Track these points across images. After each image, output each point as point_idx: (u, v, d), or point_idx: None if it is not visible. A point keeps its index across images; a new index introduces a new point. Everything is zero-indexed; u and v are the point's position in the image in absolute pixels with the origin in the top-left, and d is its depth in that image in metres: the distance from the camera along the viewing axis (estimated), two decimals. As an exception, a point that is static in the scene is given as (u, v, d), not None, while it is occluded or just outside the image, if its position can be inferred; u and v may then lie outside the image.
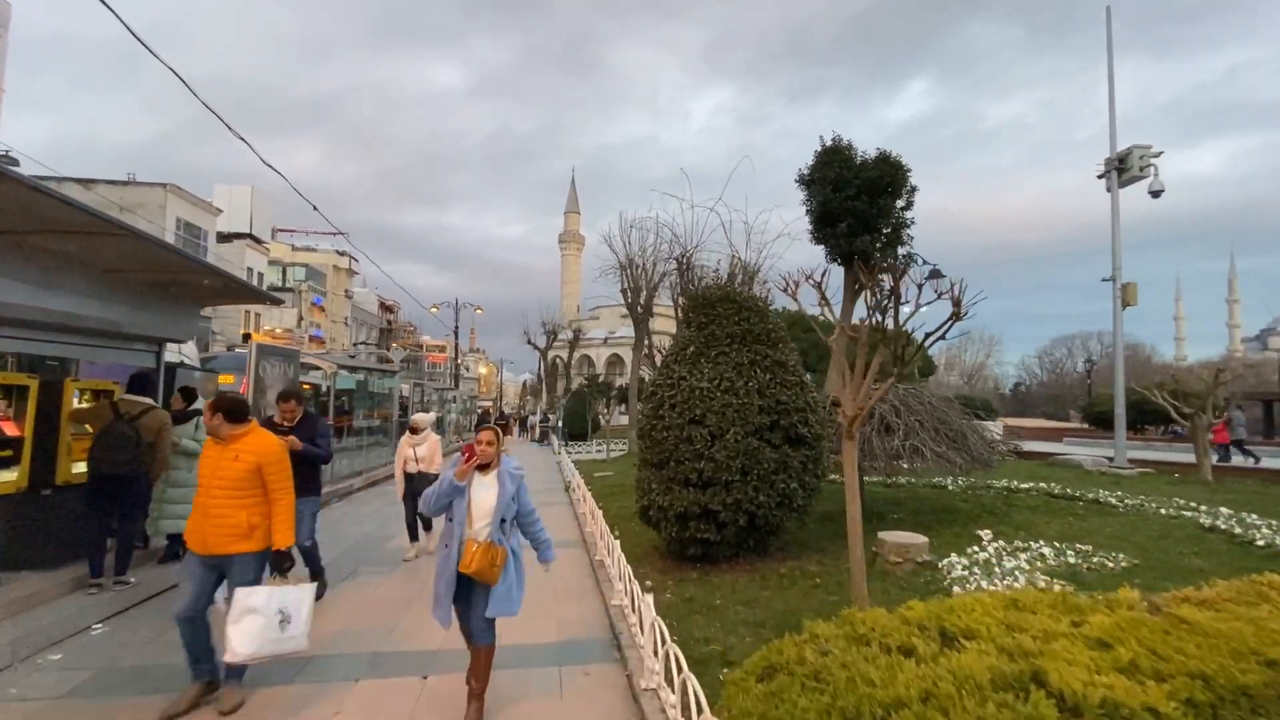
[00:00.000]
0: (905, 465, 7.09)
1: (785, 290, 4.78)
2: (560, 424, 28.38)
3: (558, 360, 52.83)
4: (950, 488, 9.82)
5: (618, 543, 5.12)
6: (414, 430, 7.00)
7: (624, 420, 31.80)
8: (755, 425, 5.74)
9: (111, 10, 6.14)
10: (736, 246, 11.12)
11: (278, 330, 48.02)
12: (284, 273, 56.15)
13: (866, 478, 8.34)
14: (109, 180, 34.19)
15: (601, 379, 62.50)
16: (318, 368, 11.64)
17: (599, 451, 22.73)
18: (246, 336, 41.52)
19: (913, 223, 13.01)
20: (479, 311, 43.21)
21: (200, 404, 6.46)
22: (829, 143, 13.07)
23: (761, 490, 5.69)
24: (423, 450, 6.89)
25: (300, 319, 54.36)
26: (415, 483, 6.78)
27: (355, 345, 53.93)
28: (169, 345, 7.39)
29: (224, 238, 43.41)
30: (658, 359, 36.63)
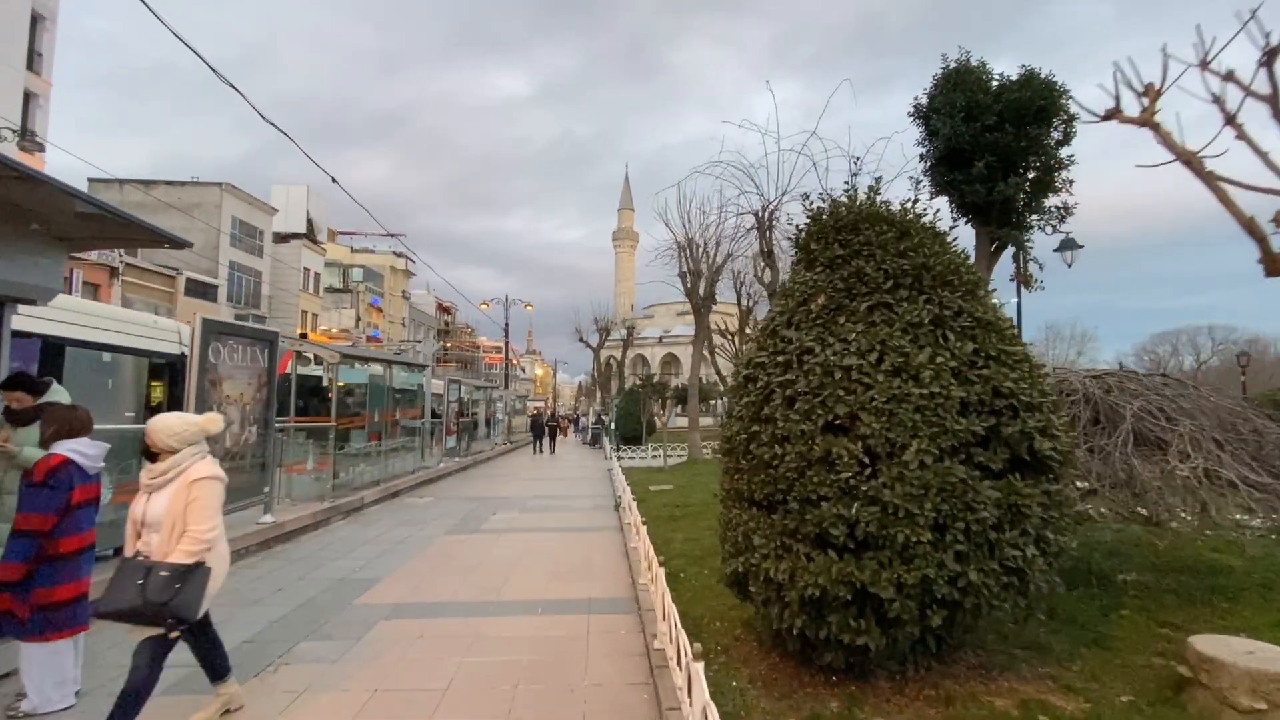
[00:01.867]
0: (1180, 506, 4.17)
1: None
2: (613, 426, 26.02)
3: (611, 360, 50.74)
4: (1174, 525, 6.66)
5: (700, 668, 2.53)
6: (148, 454, 3.10)
7: (683, 421, 29.17)
8: (958, 437, 3.04)
9: (190, 48, 6.81)
10: (834, 192, 8.35)
11: (334, 330, 48.12)
12: (343, 274, 56.58)
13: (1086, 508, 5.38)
14: (168, 181, 34.47)
15: (656, 379, 60.09)
16: (317, 359, 9.58)
17: (655, 458, 20.17)
18: (303, 336, 41.48)
19: (1072, 162, 9.82)
20: (529, 309, 41.71)
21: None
22: (953, 63, 10.05)
23: (975, 560, 2.98)
24: (159, 503, 2.98)
25: (358, 319, 54.59)
26: (148, 584, 2.85)
27: (401, 343, 53.56)
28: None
29: (280, 238, 43.59)
30: (718, 358, 33.85)
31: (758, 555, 3.39)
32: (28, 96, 19.59)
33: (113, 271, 26.54)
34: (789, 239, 3.94)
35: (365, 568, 6.53)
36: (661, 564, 4.22)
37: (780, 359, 3.51)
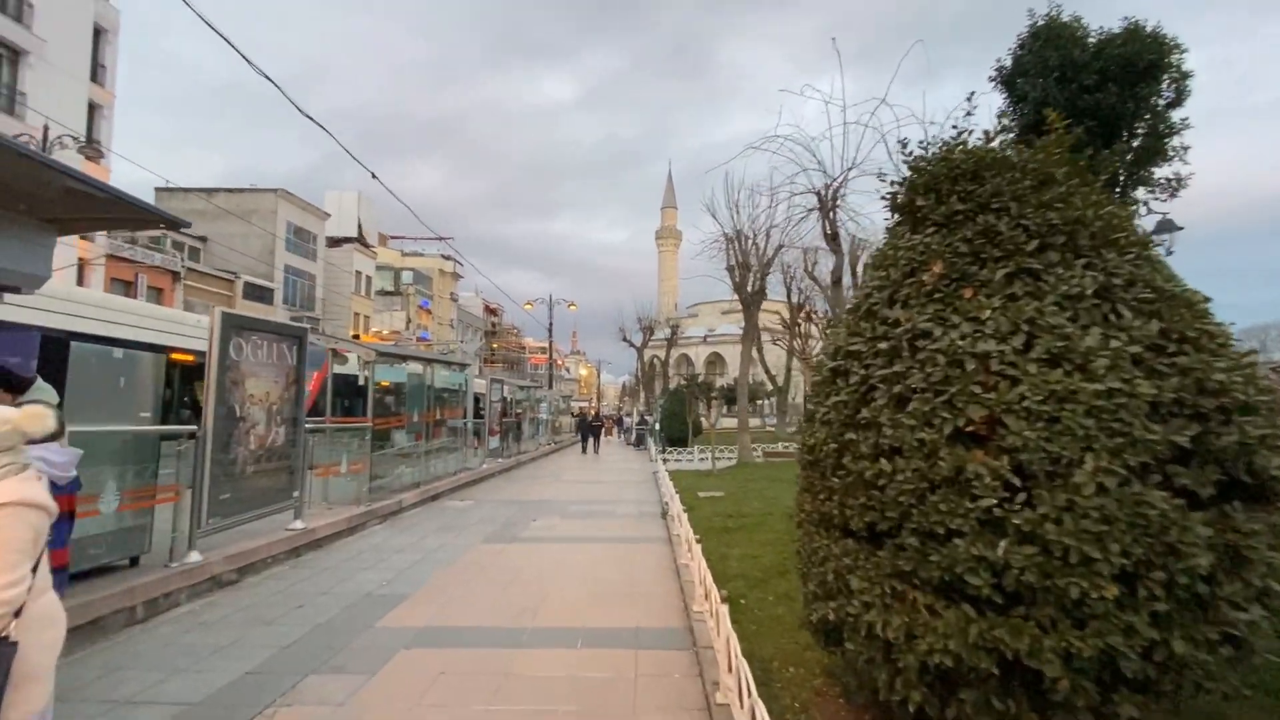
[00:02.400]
0: None
1: None
2: (657, 426, 25.31)
3: (655, 360, 50.09)
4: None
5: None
6: None
7: (730, 422, 28.21)
8: (1152, 451, 2.18)
9: (255, 68, 7.84)
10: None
11: (385, 332, 49.21)
12: (395, 277, 57.82)
13: None
14: (227, 189, 35.76)
15: (701, 379, 59.13)
16: (348, 356, 9.22)
17: (702, 460, 19.34)
18: (356, 338, 42.45)
19: (1186, 126, 8.52)
20: (573, 308, 41.51)
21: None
22: (1041, 20, 8.88)
23: (1180, 624, 2.12)
24: None
25: (408, 321, 55.78)
26: None
27: (450, 344, 54.36)
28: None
29: (333, 242, 44.73)
30: (776, 346, 32.48)
31: (857, 602, 2.60)
32: (92, 107, 20.39)
33: (175, 276, 27.58)
34: (888, 199, 3.13)
35: (394, 581, 6.02)
36: (724, 598, 3.47)
37: (883, 346, 2.71)
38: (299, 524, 7.20)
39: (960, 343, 2.44)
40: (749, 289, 17.55)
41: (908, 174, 3.27)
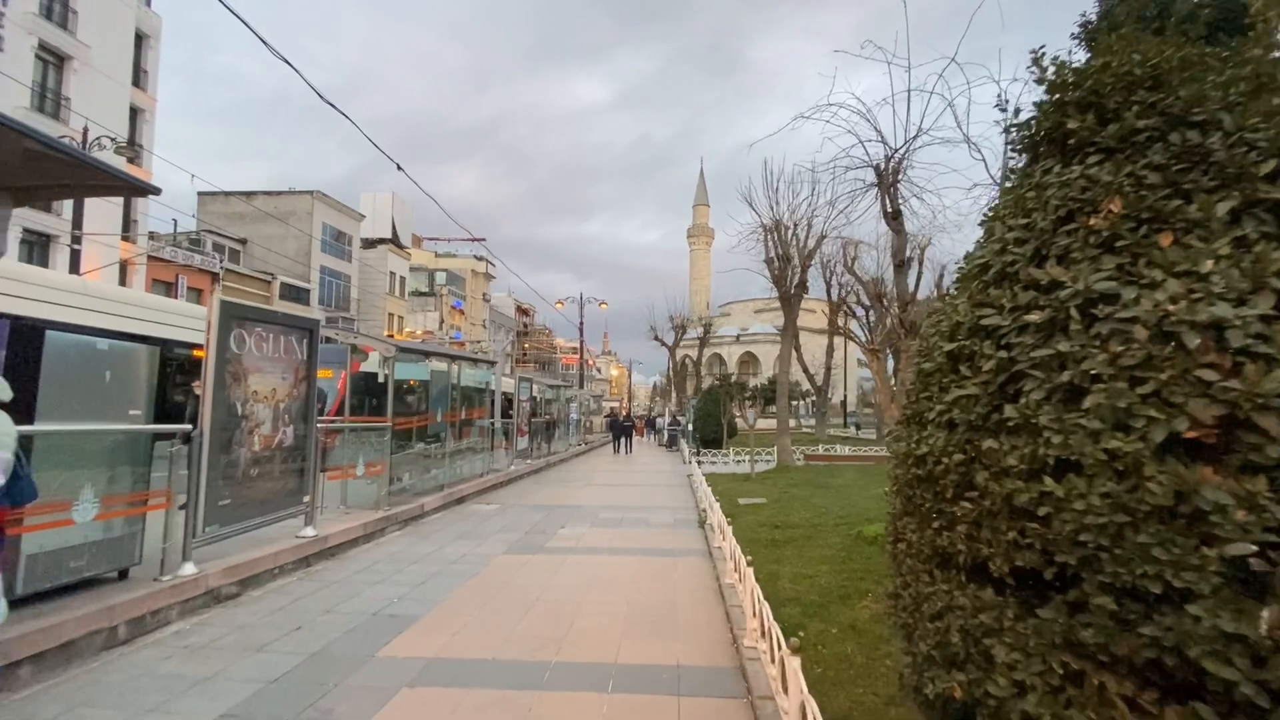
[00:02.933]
0: None
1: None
2: (690, 427, 24.52)
3: (687, 359, 49.26)
4: None
5: None
6: None
7: (767, 423, 27.22)
8: None
9: (306, 81, 8.40)
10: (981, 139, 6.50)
11: (419, 332, 49.58)
12: (429, 278, 58.23)
13: None
14: (266, 191, 36.39)
15: (734, 378, 58.04)
16: (369, 352, 8.74)
17: (739, 463, 18.48)
18: (390, 338, 42.81)
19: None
20: (604, 307, 41.02)
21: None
22: (1131, -32, 7.83)
23: None
24: None
25: (441, 321, 56.15)
26: None
27: (478, 342, 54.53)
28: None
29: (368, 243, 45.21)
30: (805, 354, 31.26)
31: (1003, 680, 1.82)
32: (134, 111, 20.71)
33: (214, 277, 28.04)
34: (1015, 128, 2.34)
35: (405, 598, 5.43)
36: (795, 649, 2.71)
37: (1034, 317, 1.92)
38: (310, 531, 6.70)
39: (1171, 308, 1.65)
40: (788, 283, 16.63)
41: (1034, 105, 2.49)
